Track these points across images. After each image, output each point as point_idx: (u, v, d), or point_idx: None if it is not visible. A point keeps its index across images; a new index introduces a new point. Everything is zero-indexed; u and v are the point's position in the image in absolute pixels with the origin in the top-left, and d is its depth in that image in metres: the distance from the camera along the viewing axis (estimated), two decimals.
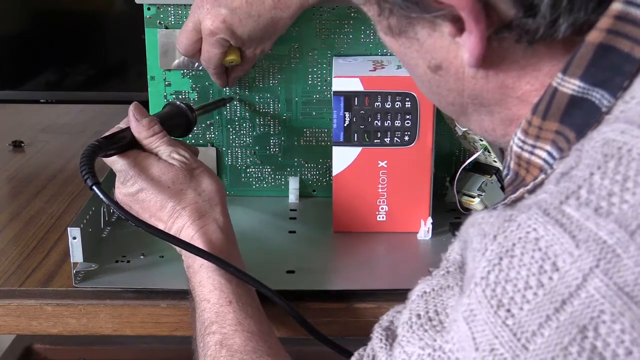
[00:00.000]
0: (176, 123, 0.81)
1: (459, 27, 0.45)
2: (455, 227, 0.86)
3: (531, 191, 0.48)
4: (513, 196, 0.50)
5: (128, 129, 0.74)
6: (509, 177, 0.51)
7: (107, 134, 0.73)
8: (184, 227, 0.69)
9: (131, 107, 0.74)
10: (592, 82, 0.44)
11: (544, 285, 0.38)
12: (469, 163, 0.87)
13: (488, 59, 0.47)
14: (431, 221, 0.85)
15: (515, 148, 0.49)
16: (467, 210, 0.89)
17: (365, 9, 0.51)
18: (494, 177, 0.86)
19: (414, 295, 0.50)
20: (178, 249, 0.70)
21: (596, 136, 0.41)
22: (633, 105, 0.41)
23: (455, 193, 0.88)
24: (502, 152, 0.83)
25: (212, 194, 0.71)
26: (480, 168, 0.88)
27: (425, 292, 0.49)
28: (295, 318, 0.70)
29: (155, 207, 0.70)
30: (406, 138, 0.82)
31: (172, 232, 0.69)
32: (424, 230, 0.85)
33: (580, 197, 0.39)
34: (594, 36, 0.44)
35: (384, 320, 0.54)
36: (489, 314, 0.40)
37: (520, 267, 0.39)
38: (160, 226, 0.70)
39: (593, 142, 0.41)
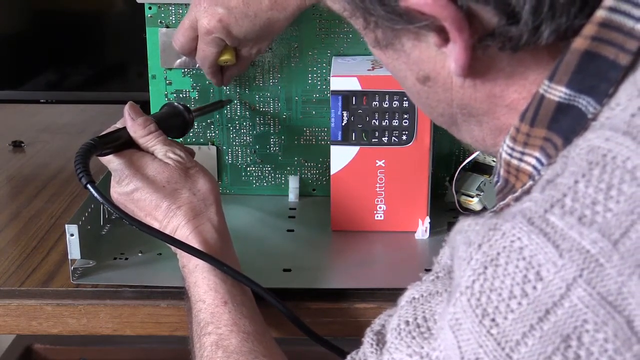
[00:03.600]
0: (173, 124, 0.81)
1: (444, 37, 0.45)
2: (453, 227, 0.86)
3: (518, 198, 0.48)
4: (502, 203, 0.50)
5: (124, 128, 0.74)
6: (499, 184, 0.51)
7: (103, 133, 0.74)
8: (178, 226, 0.69)
9: (126, 107, 0.75)
10: (578, 89, 0.44)
11: (528, 295, 0.38)
12: (467, 163, 0.87)
13: (474, 68, 0.47)
14: (429, 221, 0.85)
15: (504, 155, 0.49)
16: (466, 210, 0.89)
17: (352, 22, 0.51)
18: (492, 177, 0.86)
19: (403, 301, 0.51)
20: (174, 248, 0.70)
21: (581, 143, 0.41)
22: (618, 111, 0.41)
23: (454, 193, 0.88)
24: None
25: (207, 194, 0.72)
26: (479, 168, 0.88)
27: (414, 298, 0.50)
28: (287, 317, 0.70)
29: (151, 207, 0.70)
30: (404, 137, 0.82)
31: (167, 232, 0.70)
32: (422, 229, 0.85)
33: (564, 205, 0.39)
34: (579, 43, 0.43)
35: (376, 324, 0.54)
36: (474, 323, 0.40)
37: (504, 276, 0.39)
38: (156, 225, 0.70)
39: (578, 149, 0.41)
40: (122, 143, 0.73)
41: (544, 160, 0.46)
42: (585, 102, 0.43)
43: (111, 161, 0.72)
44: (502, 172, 0.50)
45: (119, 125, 0.76)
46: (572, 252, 0.38)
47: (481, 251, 0.40)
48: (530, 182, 0.47)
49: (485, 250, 0.40)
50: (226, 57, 0.82)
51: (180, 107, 0.82)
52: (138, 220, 0.70)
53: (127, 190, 0.71)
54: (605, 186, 0.38)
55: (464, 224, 0.44)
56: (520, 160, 0.47)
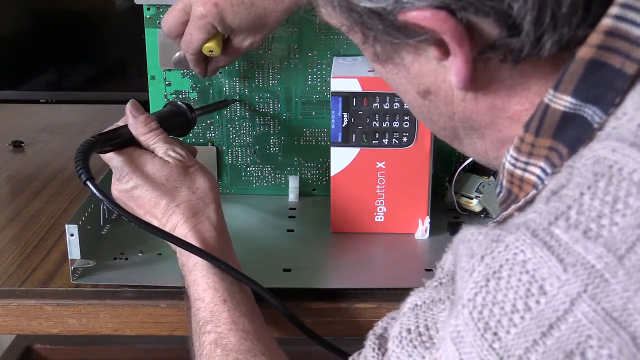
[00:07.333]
0: (175, 122, 0.81)
1: (444, 50, 0.45)
2: (453, 227, 0.86)
3: (522, 207, 0.47)
4: (505, 213, 0.50)
5: (125, 126, 0.74)
6: (501, 194, 0.50)
7: (104, 130, 0.74)
8: (177, 224, 0.69)
9: (128, 105, 0.75)
10: (584, 98, 0.43)
11: (531, 309, 0.38)
12: (467, 164, 0.87)
13: (476, 81, 0.46)
14: (429, 220, 0.85)
15: (507, 166, 0.48)
16: (466, 211, 0.89)
17: (351, 37, 0.50)
18: (491, 178, 0.86)
19: (405, 307, 0.50)
20: (173, 246, 0.70)
21: (587, 153, 0.40)
22: (625, 121, 0.40)
23: (454, 194, 0.88)
24: None
25: (206, 192, 0.72)
26: (479, 169, 0.88)
27: (416, 305, 0.49)
28: (285, 315, 0.70)
29: (150, 204, 0.70)
30: (404, 139, 0.82)
31: (166, 230, 0.70)
32: (422, 229, 0.85)
33: (569, 218, 0.38)
34: (584, 52, 0.43)
35: (379, 327, 0.54)
36: (476, 337, 0.39)
37: (507, 289, 0.39)
38: (155, 223, 0.70)
39: (584, 159, 0.40)
40: (123, 140, 0.73)
41: (548, 170, 0.45)
42: (591, 112, 0.43)
43: (112, 158, 0.72)
44: (504, 182, 0.49)
45: (121, 123, 0.76)
46: (577, 267, 0.37)
47: (484, 263, 0.40)
48: (534, 192, 0.46)
49: (487, 263, 0.40)
50: (211, 45, 0.80)
51: (183, 105, 0.82)
52: (137, 217, 0.69)
53: (127, 187, 0.71)
54: (611, 199, 0.38)
55: (466, 233, 0.43)
56: (525, 170, 0.47)
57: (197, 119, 0.84)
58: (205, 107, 0.88)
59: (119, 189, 0.72)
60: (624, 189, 0.38)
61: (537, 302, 0.38)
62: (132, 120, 0.74)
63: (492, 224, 0.51)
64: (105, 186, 0.71)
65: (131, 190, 0.71)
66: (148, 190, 0.70)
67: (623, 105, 0.42)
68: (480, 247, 0.41)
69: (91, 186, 0.67)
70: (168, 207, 0.70)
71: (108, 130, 0.74)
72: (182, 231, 0.69)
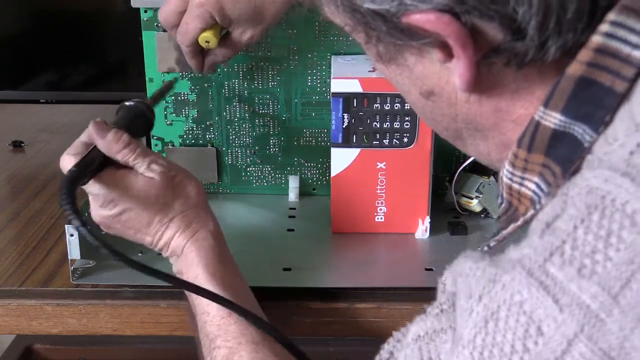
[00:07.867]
0: (138, 126, 0.74)
1: (448, 52, 0.45)
2: (453, 227, 0.86)
3: (521, 227, 0.48)
4: (505, 232, 0.50)
5: (94, 148, 0.68)
6: (503, 205, 0.50)
7: (73, 157, 0.67)
8: (173, 237, 0.68)
9: (91, 128, 0.68)
10: (573, 115, 0.43)
11: (530, 351, 0.38)
12: (467, 164, 0.87)
13: (479, 84, 0.46)
14: (429, 220, 0.85)
15: (505, 179, 0.49)
16: (466, 211, 0.89)
17: (354, 36, 0.50)
18: (492, 178, 0.86)
19: (409, 337, 0.51)
20: (167, 252, 0.69)
21: (580, 182, 0.40)
22: (616, 147, 0.40)
23: (454, 194, 0.88)
24: None
25: (197, 199, 0.70)
26: (479, 169, 0.88)
27: (419, 337, 0.50)
28: (283, 344, 0.66)
29: (141, 224, 0.68)
30: (405, 140, 0.82)
31: (160, 245, 0.68)
32: (422, 229, 0.85)
33: (564, 253, 0.38)
34: (574, 69, 0.43)
35: (385, 350, 0.54)
36: None
37: (506, 330, 0.39)
38: (147, 240, 0.68)
39: (577, 188, 0.40)
40: (98, 164, 0.67)
41: (543, 186, 0.46)
42: (580, 130, 0.43)
43: (90, 186, 0.67)
44: (504, 194, 0.49)
45: (84, 138, 0.70)
46: (572, 307, 0.37)
47: (482, 304, 0.40)
48: (532, 212, 0.47)
49: (485, 303, 0.40)
50: (207, 35, 0.77)
51: (140, 105, 0.74)
52: (141, 264, 0.63)
53: (113, 213, 0.68)
54: (604, 233, 0.37)
55: (464, 267, 0.43)
56: (521, 184, 0.47)
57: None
58: (155, 97, 0.82)
59: (102, 214, 0.68)
60: (617, 222, 0.37)
61: (535, 343, 0.38)
62: (101, 141, 0.67)
63: (493, 241, 0.51)
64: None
65: (119, 214, 0.68)
66: (139, 211, 0.67)
67: (613, 125, 0.41)
68: (478, 285, 0.41)
69: (86, 234, 0.61)
70: (161, 222, 0.68)
71: (81, 160, 0.67)
72: (180, 243, 0.68)
